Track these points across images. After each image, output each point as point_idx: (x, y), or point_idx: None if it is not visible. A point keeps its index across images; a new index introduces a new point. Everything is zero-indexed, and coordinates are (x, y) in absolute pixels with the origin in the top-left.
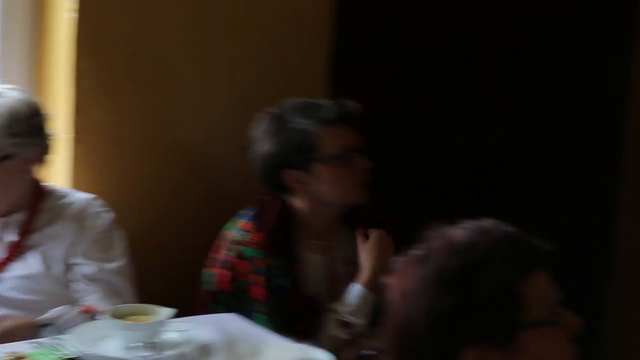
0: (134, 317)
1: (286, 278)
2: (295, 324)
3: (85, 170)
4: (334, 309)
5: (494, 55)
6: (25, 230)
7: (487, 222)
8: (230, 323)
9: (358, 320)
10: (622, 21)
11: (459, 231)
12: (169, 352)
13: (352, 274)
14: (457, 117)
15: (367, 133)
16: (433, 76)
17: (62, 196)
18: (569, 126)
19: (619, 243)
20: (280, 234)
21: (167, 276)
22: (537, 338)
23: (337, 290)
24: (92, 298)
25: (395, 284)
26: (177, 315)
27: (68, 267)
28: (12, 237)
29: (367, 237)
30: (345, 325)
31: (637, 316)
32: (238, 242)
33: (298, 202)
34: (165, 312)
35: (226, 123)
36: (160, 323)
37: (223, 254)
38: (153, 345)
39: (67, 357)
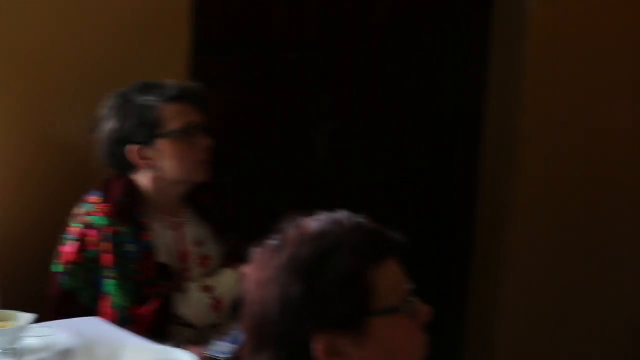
0: None
1: (134, 244)
2: (145, 289)
3: None
4: (197, 276)
5: (350, 54)
6: None
7: (340, 214)
8: (92, 326)
9: (221, 289)
10: (477, 29)
11: (313, 222)
12: (28, 358)
13: (203, 256)
14: (317, 112)
15: (227, 127)
16: (290, 72)
17: None
18: (430, 125)
19: (480, 236)
20: (127, 204)
21: (28, 281)
22: (386, 325)
23: (187, 268)
24: None
25: (252, 272)
26: (38, 320)
27: None
28: None
29: None
30: (207, 289)
31: (495, 305)
32: (85, 214)
33: (143, 179)
34: (26, 317)
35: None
36: (21, 328)
37: (70, 229)
38: (13, 351)
39: None
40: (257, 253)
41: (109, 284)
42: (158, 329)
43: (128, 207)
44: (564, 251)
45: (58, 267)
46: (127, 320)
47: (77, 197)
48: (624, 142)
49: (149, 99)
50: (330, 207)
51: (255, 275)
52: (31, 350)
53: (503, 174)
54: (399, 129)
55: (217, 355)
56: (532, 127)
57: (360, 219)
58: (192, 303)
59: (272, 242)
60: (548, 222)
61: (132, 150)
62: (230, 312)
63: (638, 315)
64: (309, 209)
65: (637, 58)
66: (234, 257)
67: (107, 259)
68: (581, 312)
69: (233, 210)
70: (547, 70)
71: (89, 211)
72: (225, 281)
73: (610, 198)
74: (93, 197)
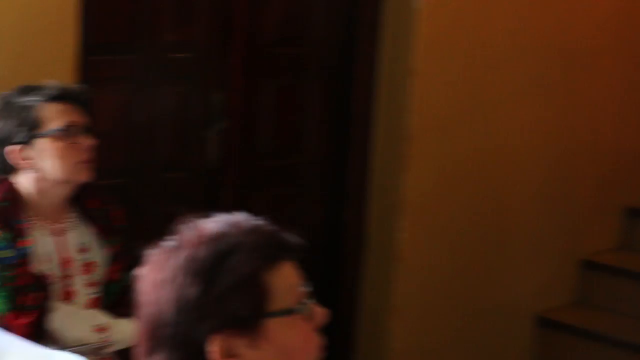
0: None
1: (12, 250)
2: (23, 297)
3: None
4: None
5: (241, 53)
6: None
7: (237, 216)
8: None
9: (115, 336)
10: (366, 28)
11: (210, 223)
12: None
13: (88, 263)
14: (208, 112)
15: (117, 128)
16: (181, 73)
17: None
18: (321, 123)
19: (371, 234)
20: (6, 209)
21: None
22: (282, 326)
23: (70, 275)
24: None
25: (147, 274)
26: None
27: None
28: None
29: None
30: (101, 330)
31: (388, 304)
32: None
33: (25, 181)
34: None
35: None
36: None
37: None
38: None
39: None
40: (153, 254)
41: None
42: (34, 341)
43: (7, 212)
44: (454, 247)
45: None
46: (3, 329)
47: None
48: (510, 139)
49: (29, 100)
50: (220, 206)
51: (151, 276)
52: None
53: (393, 172)
54: (289, 127)
55: None
56: (420, 126)
57: (257, 221)
58: (73, 323)
59: (169, 243)
60: (438, 218)
61: (13, 151)
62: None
63: (530, 307)
64: (201, 209)
65: (522, 58)
66: (121, 262)
67: None
68: (474, 309)
69: (120, 213)
70: (435, 69)
71: None
72: (122, 329)
73: (497, 194)
74: None
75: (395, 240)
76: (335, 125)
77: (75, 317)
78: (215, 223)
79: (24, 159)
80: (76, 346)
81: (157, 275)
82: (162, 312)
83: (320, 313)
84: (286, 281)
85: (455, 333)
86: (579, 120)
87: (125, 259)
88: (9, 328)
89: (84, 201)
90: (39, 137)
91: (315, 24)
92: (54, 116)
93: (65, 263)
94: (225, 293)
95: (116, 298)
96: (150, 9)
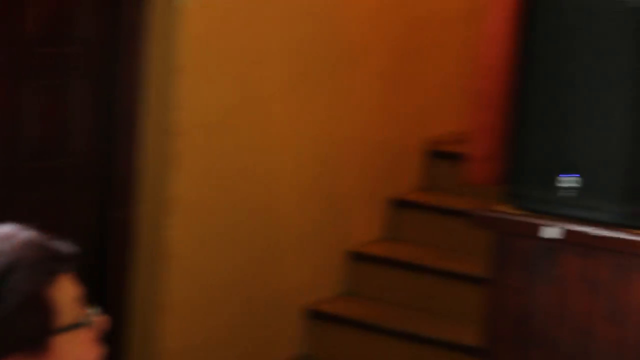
0: None
1: None
2: None
3: None
4: None
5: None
6: None
7: (7, 228)
8: None
9: None
10: (131, 25)
11: None
12: None
13: None
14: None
15: None
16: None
17: None
18: (88, 122)
19: (140, 233)
20: None
21: None
22: (67, 341)
23: None
24: None
25: None
26: None
27: None
28: None
29: None
30: None
31: (159, 303)
32: None
33: None
34: None
35: None
36: None
37: None
38: None
39: None
40: None
41: None
42: None
43: None
44: (225, 243)
45: None
46: None
47: None
48: (278, 134)
49: None
50: None
51: None
52: None
53: (162, 169)
54: (55, 128)
55: None
56: (189, 122)
57: (29, 233)
58: None
59: None
60: (208, 215)
61: None
62: None
63: (299, 300)
64: None
65: (290, 54)
66: None
67: None
68: (245, 303)
69: None
70: (202, 66)
71: None
72: None
73: (267, 188)
74: None
75: (165, 237)
76: (102, 124)
77: None
78: None
79: None
80: None
81: None
82: None
83: (101, 322)
84: (67, 295)
85: (227, 328)
86: (345, 114)
87: None
88: None
89: None
90: None
91: (80, 22)
92: None
93: None
94: (8, 316)
95: None
96: None
